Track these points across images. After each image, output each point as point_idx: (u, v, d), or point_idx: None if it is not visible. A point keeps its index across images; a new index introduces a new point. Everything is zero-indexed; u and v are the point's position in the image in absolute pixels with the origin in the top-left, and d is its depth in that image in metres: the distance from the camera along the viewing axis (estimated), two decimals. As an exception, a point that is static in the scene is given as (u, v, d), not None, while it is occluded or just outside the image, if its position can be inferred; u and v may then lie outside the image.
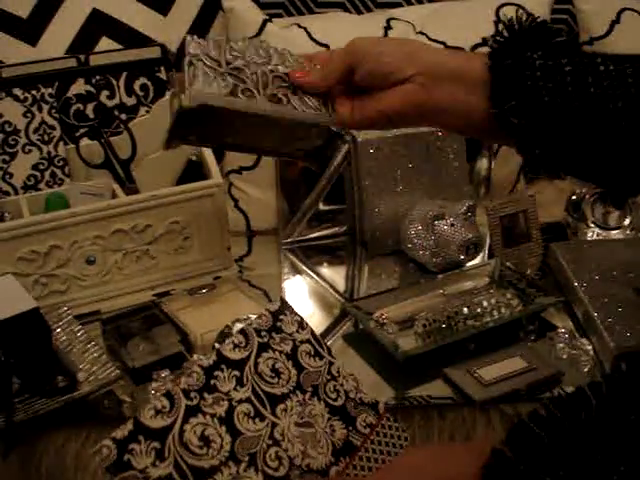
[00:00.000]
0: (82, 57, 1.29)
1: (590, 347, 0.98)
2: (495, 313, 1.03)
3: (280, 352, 0.64)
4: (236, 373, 0.62)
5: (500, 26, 0.67)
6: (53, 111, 1.24)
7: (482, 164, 1.40)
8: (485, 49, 1.37)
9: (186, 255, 1.15)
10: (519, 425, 0.51)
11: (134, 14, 1.37)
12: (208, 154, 1.21)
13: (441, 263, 1.18)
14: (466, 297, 1.06)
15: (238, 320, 0.93)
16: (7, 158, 1.22)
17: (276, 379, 0.63)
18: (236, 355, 0.62)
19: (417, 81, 0.66)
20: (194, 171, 1.24)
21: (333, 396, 0.65)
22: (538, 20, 0.67)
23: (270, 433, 0.61)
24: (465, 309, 1.02)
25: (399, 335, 1.00)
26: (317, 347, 0.67)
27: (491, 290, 1.10)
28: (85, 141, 1.27)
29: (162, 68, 1.32)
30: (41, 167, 1.24)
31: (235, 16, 1.39)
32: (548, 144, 0.63)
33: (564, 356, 0.97)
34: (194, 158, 1.24)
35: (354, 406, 0.66)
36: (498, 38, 0.66)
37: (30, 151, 1.23)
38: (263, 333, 0.64)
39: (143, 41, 1.36)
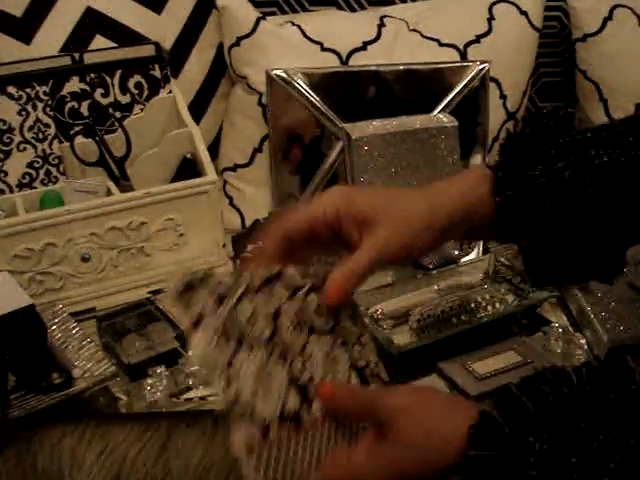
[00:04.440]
0: (76, 55, 1.29)
1: (584, 341, 0.99)
2: (489, 308, 1.03)
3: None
4: (289, 291, 0.64)
5: (499, 143, 0.68)
6: (48, 109, 1.24)
7: (476, 161, 1.40)
8: (477, 48, 1.38)
9: (181, 252, 1.15)
10: (507, 393, 0.54)
11: (128, 12, 1.37)
12: (203, 152, 1.22)
13: (435, 259, 1.18)
14: (460, 292, 1.07)
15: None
16: (1, 156, 1.22)
17: (319, 314, 0.64)
18: (296, 280, 0.65)
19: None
20: (189, 169, 1.24)
21: (357, 356, 0.65)
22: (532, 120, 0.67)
23: (302, 346, 0.62)
24: (459, 304, 1.02)
25: (394, 330, 1.01)
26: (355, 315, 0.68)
27: (485, 285, 1.10)
28: (80, 139, 1.27)
29: (156, 66, 1.32)
30: (36, 165, 1.23)
31: (229, 14, 1.39)
32: (556, 258, 0.65)
33: (558, 350, 0.98)
34: (189, 156, 1.25)
35: (370, 374, 0.66)
36: (498, 160, 0.67)
37: (25, 149, 1.23)
38: None
39: (137, 39, 1.36)
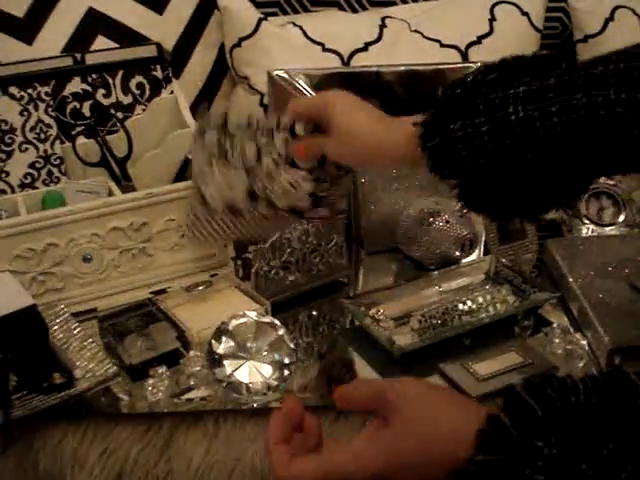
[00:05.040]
0: (78, 56, 1.29)
1: (585, 342, 0.98)
2: (490, 309, 1.03)
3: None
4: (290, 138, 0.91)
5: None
6: (49, 110, 1.25)
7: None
8: (479, 49, 1.38)
9: (183, 252, 1.15)
10: (515, 396, 0.53)
11: (130, 13, 1.37)
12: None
13: (437, 260, 1.18)
14: (462, 293, 1.07)
15: (234, 316, 0.94)
16: (3, 157, 1.22)
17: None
18: (299, 130, 0.90)
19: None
20: (190, 169, 1.24)
21: (320, 189, 0.94)
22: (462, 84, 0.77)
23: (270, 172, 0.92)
24: (461, 305, 1.02)
25: (395, 331, 1.01)
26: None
27: (487, 286, 1.10)
28: (81, 139, 1.27)
29: (158, 67, 1.32)
30: (38, 165, 1.24)
31: (230, 15, 1.39)
32: (481, 193, 0.76)
33: (559, 351, 0.98)
34: (190, 156, 1.25)
35: (325, 203, 0.98)
36: (427, 116, 0.78)
37: (27, 149, 1.23)
38: None
39: (139, 40, 1.36)
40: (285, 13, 1.51)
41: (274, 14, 1.49)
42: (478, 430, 0.52)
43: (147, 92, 1.32)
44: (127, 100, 1.32)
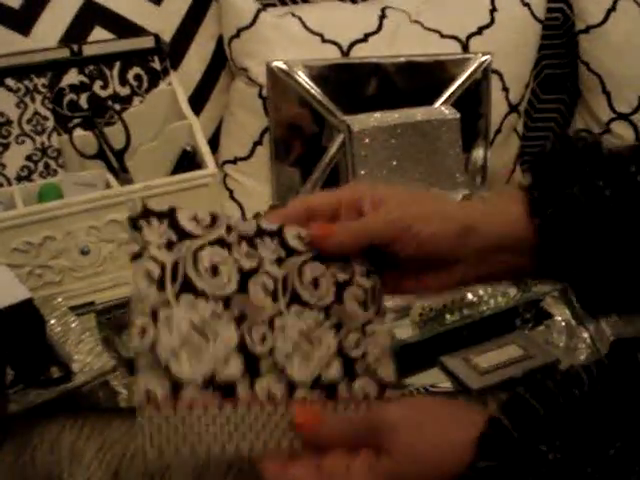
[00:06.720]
0: (75, 47, 1.28)
1: (587, 335, 0.98)
2: (492, 301, 1.03)
3: (332, 274, 0.59)
4: (282, 254, 0.58)
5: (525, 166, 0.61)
6: (46, 101, 1.24)
7: (478, 153, 1.39)
8: (479, 40, 1.37)
9: (181, 245, 1.15)
10: (515, 396, 0.52)
11: (127, 4, 1.36)
12: (203, 144, 1.21)
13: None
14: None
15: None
16: (0, 149, 1.21)
17: (310, 289, 0.58)
18: (296, 244, 0.58)
19: (470, 261, 0.60)
20: (188, 161, 1.24)
21: (351, 344, 0.59)
22: (560, 140, 0.63)
23: (271, 316, 0.56)
24: (461, 297, 1.01)
25: (395, 324, 1.00)
26: (369, 300, 0.61)
27: (487, 279, 1.09)
28: (79, 132, 1.27)
29: (156, 58, 1.31)
30: (34, 158, 1.23)
31: (228, 5, 1.38)
32: (610, 283, 0.59)
33: (561, 344, 0.97)
34: (188, 148, 1.24)
35: (365, 369, 0.59)
36: (529, 179, 0.61)
37: (23, 142, 1.22)
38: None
39: (136, 31, 1.35)
40: (284, 3, 1.50)
41: (273, 5, 1.48)
42: (479, 434, 0.50)
43: (145, 84, 1.31)
44: (125, 92, 1.31)
